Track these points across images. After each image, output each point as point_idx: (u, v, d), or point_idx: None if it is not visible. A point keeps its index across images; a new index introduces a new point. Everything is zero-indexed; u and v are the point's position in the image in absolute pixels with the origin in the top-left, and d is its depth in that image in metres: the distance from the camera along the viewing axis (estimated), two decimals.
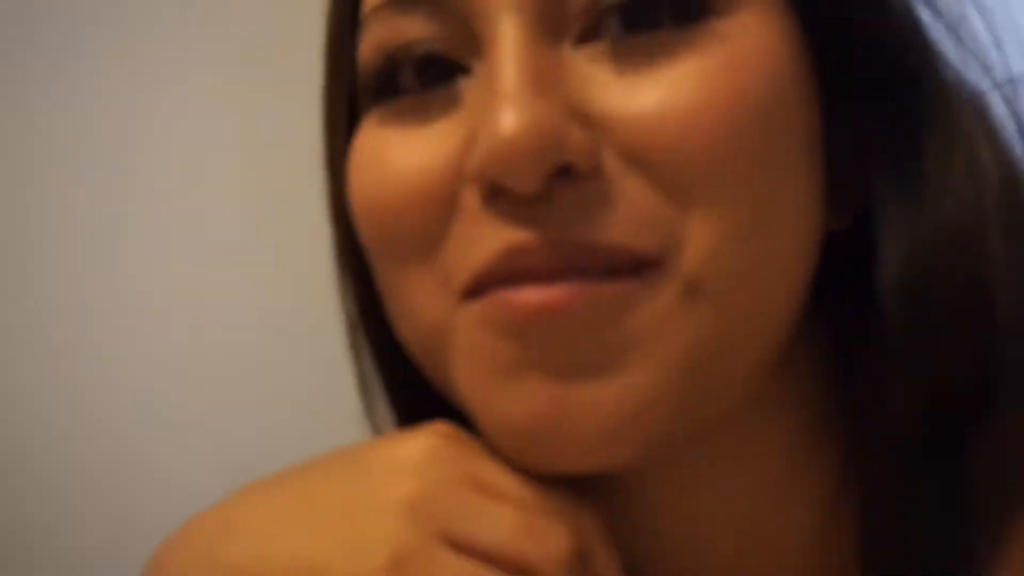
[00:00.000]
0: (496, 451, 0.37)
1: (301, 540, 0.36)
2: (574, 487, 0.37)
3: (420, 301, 0.37)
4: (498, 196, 0.34)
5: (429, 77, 0.38)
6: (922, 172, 0.38)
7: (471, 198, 0.35)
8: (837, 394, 0.41)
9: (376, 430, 0.47)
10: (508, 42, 0.35)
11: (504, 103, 0.33)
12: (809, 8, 0.38)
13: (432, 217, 0.36)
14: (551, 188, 0.34)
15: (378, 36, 0.38)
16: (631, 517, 0.40)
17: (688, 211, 0.34)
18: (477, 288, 0.35)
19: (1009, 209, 0.38)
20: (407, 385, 0.43)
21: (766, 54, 0.36)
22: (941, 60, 0.40)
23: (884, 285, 0.38)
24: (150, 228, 1.23)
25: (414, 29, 0.37)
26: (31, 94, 1.22)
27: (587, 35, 0.36)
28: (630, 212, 0.34)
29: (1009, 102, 0.40)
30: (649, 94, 0.35)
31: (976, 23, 0.41)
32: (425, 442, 0.37)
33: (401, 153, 0.37)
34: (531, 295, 0.34)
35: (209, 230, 1.20)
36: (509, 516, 0.35)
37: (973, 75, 0.40)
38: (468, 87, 0.37)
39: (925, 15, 0.40)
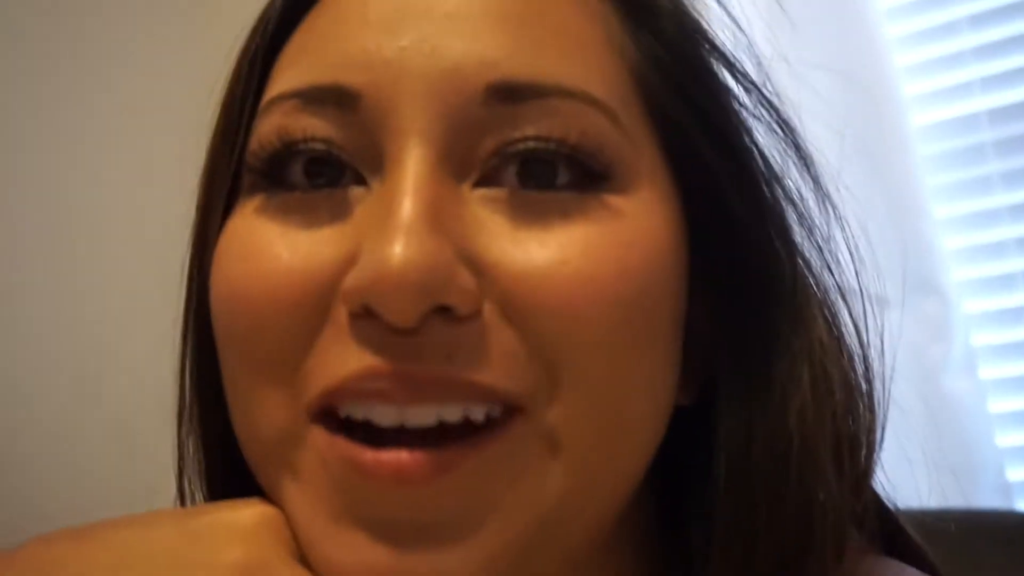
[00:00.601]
0: None
1: None
2: None
3: (267, 408, 0.36)
4: (368, 318, 0.33)
5: (319, 176, 0.37)
6: (771, 375, 0.39)
7: (341, 313, 0.34)
8: (663, 544, 0.42)
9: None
10: (411, 171, 0.34)
11: (397, 234, 0.33)
12: (694, 197, 0.39)
13: (299, 327, 0.35)
14: (424, 323, 0.33)
15: (281, 122, 0.37)
16: None
17: (555, 376, 0.34)
18: (326, 408, 0.35)
19: (842, 431, 0.40)
20: (230, 478, 0.42)
21: (654, 236, 0.37)
22: (804, 267, 0.41)
23: (718, 474, 0.39)
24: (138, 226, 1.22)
25: (317, 128, 0.37)
26: (16, 94, 1.21)
27: (488, 179, 0.36)
28: (500, 361, 0.34)
29: (857, 321, 0.42)
30: (537, 253, 0.35)
31: (839, 241, 0.43)
32: (258, 512, 0.36)
33: (279, 252, 0.36)
34: (386, 460, 0.33)
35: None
36: None
37: (831, 289, 0.42)
38: (359, 199, 0.36)
39: (796, 226, 0.42)
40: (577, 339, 0.34)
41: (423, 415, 0.34)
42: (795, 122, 0.43)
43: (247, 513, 0.36)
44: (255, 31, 0.42)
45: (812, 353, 0.39)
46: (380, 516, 0.34)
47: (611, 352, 0.35)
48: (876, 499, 0.44)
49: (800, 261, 0.41)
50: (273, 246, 0.36)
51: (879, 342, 0.42)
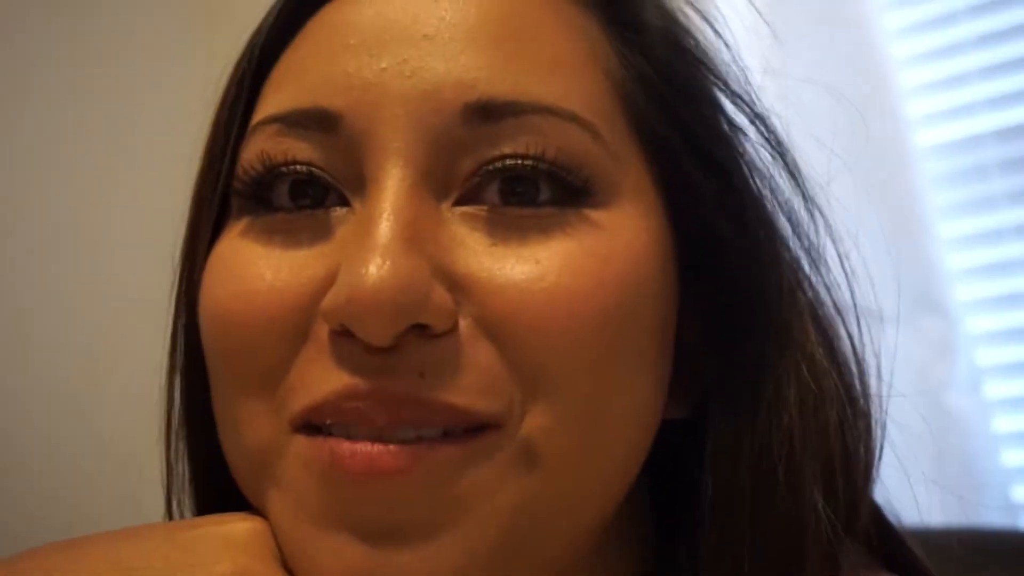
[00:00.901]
0: None
1: None
2: None
3: (252, 421, 0.37)
4: (347, 336, 0.34)
5: (303, 198, 0.38)
6: (758, 392, 0.39)
7: (322, 330, 0.35)
8: (659, 557, 0.42)
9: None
10: (390, 191, 0.35)
11: (373, 254, 0.33)
12: (681, 213, 0.39)
13: (281, 344, 0.36)
14: (401, 340, 0.34)
15: (263, 147, 0.38)
16: None
17: (532, 389, 0.35)
18: (307, 424, 0.35)
19: (835, 447, 0.39)
20: (219, 497, 0.42)
21: (635, 250, 0.37)
22: (796, 284, 0.41)
23: (706, 490, 0.39)
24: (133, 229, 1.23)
25: (300, 150, 0.37)
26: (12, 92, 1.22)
27: (468, 198, 0.36)
28: (475, 377, 0.34)
29: (853, 338, 0.42)
30: (514, 268, 0.35)
31: (838, 259, 0.43)
32: (247, 524, 0.37)
33: (262, 272, 0.37)
34: (361, 451, 0.33)
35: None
36: None
37: (828, 306, 0.42)
38: (342, 220, 0.37)
39: (790, 243, 0.41)
40: (554, 353, 0.35)
41: (403, 434, 0.34)
42: (789, 140, 0.42)
43: (237, 526, 0.37)
44: (243, 57, 0.43)
45: (801, 370, 0.39)
46: (356, 515, 0.34)
47: (589, 365, 0.35)
48: (878, 515, 0.44)
49: (790, 279, 0.41)
50: (257, 267, 0.37)
51: (880, 360, 0.42)
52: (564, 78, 0.37)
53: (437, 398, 0.34)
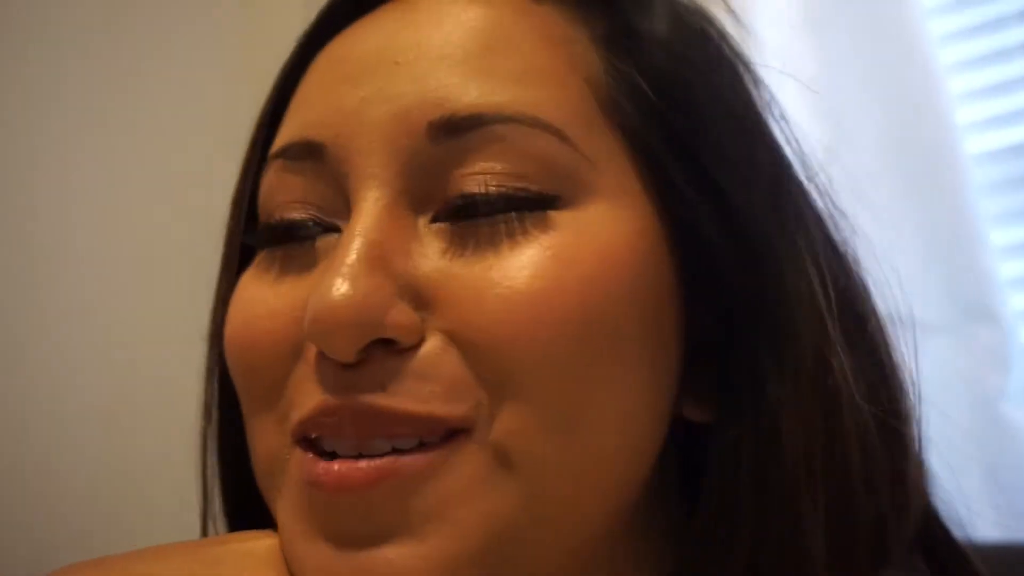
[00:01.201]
0: None
1: None
2: None
3: (262, 434, 0.39)
4: (323, 355, 0.36)
5: (306, 231, 0.40)
6: (762, 400, 0.39)
7: (310, 350, 0.37)
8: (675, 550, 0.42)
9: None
10: (361, 214, 0.37)
11: (334, 276, 0.35)
12: (673, 216, 0.39)
13: (279, 365, 0.38)
14: (368, 355, 0.35)
15: (272, 184, 0.41)
16: None
17: (498, 392, 0.35)
18: (304, 437, 0.37)
19: (853, 458, 0.39)
20: (250, 516, 0.43)
21: (606, 251, 0.37)
22: (816, 295, 0.40)
23: (709, 496, 0.39)
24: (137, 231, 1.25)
25: (298, 184, 0.40)
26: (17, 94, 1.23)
27: (443, 213, 0.38)
28: (438, 386, 0.35)
29: (881, 348, 0.41)
30: (475, 277, 0.36)
31: (872, 265, 0.42)
32: (271, 541, 0.38)
33: (266, 298, 0.39)
34: (331, 469, 0.35)
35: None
36: None
37: (855, 317, 0.41)
38: (334, 245, 0.39)
39: (812, 246, 0.41)
40: (511, 357, 0.35)
41: (378, 446, 0.35)
42: (812, 149, 0.42)
43: (260, 543, 0.39)
44: (268, 97, 0.46)
45: (809, 377, 0.39)
46: (333, 525, 0.36)
47: (556, 367, 0.36)
48: (933, 526, 0.43)
49: (801, 286, 0.40)
50: (263, 294, 0.40)
51: (930, 370, 0.41)
52: (533, 87, 0.38)
53: (397, 408, 0.35)
